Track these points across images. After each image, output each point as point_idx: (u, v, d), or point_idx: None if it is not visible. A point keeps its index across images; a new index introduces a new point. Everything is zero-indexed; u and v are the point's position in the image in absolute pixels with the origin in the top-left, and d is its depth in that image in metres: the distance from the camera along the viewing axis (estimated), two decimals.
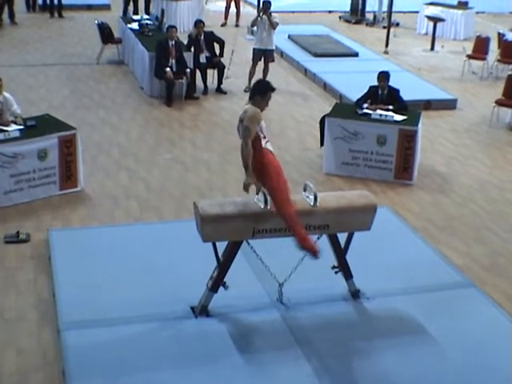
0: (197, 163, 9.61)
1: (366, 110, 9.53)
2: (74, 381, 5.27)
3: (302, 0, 22.11)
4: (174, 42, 12.03)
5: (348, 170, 9.40)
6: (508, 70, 13.71)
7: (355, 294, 6.49)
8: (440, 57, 16.24)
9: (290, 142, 10.58)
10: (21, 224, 7.71)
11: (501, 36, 15.03)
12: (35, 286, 6.64)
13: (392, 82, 9.79)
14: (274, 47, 13.00)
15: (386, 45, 16.38)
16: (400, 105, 9.63)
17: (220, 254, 6.04)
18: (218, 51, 12.79)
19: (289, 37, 16.66)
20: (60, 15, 18.74)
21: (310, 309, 6.29)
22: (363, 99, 9.76)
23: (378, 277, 6.79)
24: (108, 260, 6.95)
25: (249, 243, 6.09)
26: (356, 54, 15.47)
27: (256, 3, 17.62)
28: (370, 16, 19.74)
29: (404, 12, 19.94)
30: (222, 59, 12.85)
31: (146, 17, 15.45)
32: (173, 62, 12.00)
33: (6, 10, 17.56)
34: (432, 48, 16.73)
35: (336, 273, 6.45)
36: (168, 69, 11.86)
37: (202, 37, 12.62)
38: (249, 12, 18.49)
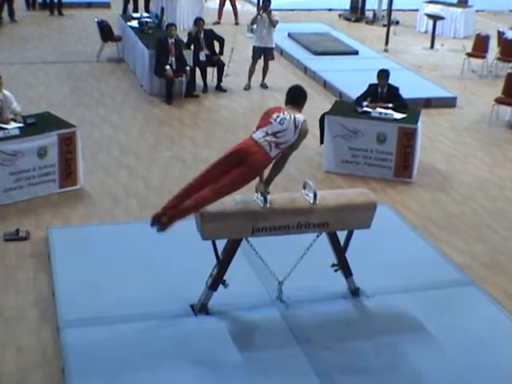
0: (197, 161, 9.59)
1: (365, 108, 9.53)
2: (74, 379, 5.27)
3: None
4: (173, 40, 12.02)
5: (348, 168, 9.40)
6: (508, 68, 13.72)
7: (355, 292, 6.48)
8: (440, 55, 16.23)
9: None
10: (20, 222, 7.70)
11: (500, 34, 15.01)
12: (35, 284, 6.63)
13: (392, 80, 9.79)
14: (273, 45, 13.00)
15: (386, 43, 16.38)
16: (400, 103, 9.63)
17: (220, 252, 6.04)
18: (217, 49, 12.78)
19: (289, 35, 16.64)
20: (60, 13, 18.74)
21: (310, 307, 6.28)
22: (363, 97, 9.76)
23: (377, 275, 6.78)
24: (108, 258, 6.95)
25: (248, 241, 6.08)
26: (356, 52, 15.46)
27: (256, 1, 17.62)
28: (369, 14, 19.74)
29: (404, 10, 19.96)
30: (222, 57, 12.84)
31: (145, 15, 15.41)
32: (172, 59, 11.99)
33: (5, 7, 17.54)
34: (432, 46, 16.71)
35: (336, 271, 6.44)
36: (168, 67, 11.85)
37: (202, 35, 12.62)
38: (248, 10, 18.49)
